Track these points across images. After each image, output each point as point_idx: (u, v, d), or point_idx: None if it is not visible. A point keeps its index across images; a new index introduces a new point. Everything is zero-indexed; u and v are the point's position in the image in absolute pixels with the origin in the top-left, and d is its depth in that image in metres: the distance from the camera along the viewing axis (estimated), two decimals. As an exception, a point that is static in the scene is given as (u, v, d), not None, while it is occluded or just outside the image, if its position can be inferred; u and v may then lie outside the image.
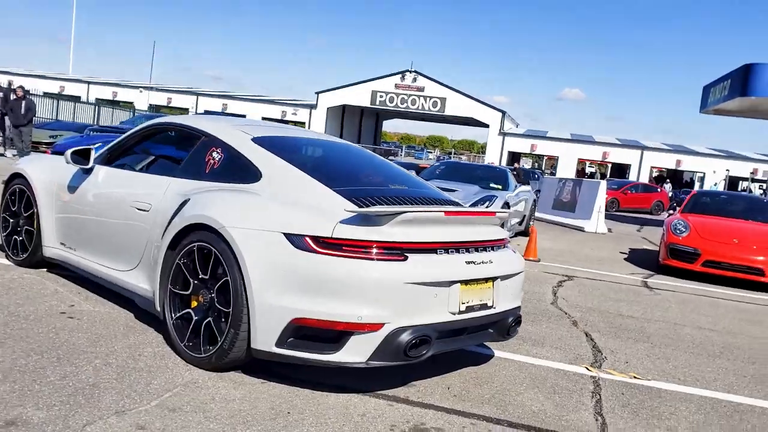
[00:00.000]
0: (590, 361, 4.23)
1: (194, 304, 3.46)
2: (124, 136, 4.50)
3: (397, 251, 3.05)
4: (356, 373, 3.31)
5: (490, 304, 3.38)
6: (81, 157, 4.43)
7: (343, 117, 62.14)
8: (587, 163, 54.27)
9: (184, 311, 3.47)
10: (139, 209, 3.93)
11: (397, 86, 55.28)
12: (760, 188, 41.95)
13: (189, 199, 3.58)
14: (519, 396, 3.43)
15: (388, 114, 69.80)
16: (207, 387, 3.10)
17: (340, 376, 3.32)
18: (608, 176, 49.48)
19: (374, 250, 3.01)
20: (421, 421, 2.95)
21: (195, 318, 3.39)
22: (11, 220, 5.03)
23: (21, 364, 3.09)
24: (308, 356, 3.05)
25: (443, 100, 54.10)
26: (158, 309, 3.65)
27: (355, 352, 2.99)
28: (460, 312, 3.20)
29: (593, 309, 6.02)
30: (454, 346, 3.38)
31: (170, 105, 58.06)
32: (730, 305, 7.22)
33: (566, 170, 48.25)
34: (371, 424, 2.87)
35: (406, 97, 54.96)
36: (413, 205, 3.45)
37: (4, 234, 5.09)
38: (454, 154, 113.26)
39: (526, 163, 58.85)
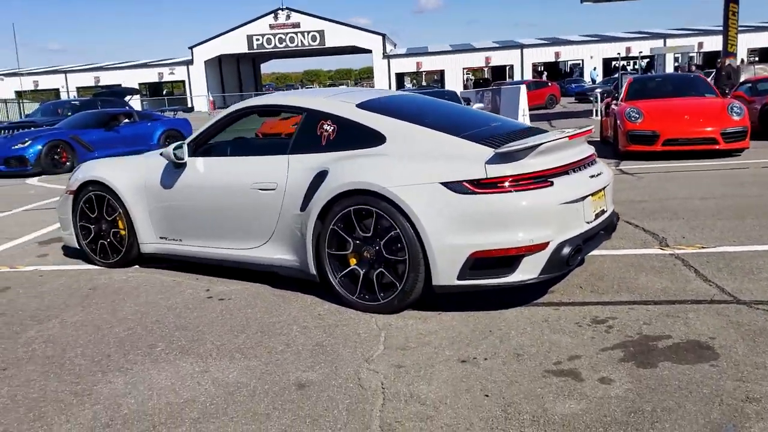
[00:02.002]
0: (657, 242, 5.07)
1: (353, 261, 3.93)
2: (208, 125, 4.69)
3: (542, 179, 3.65)
4: (502, 294, 3.90)
5: (605, 209, 4.08)
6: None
7: (221, 67, 59.92)
8: (465, 71, 55.12)
9: (348, 269, 3.93)
10: (262, 189, 4.26)
11: (272, 26, 53.90)
12: (633, 68, 45.07)
13: (326, 170, 3.96)
14: (637, 281, 4.17)
15: (266, 56, 67.88)
16: (404, 326, 3.62)
17: (496, 296, 3.93)
18: (491, 80, 50.92)
19: (527, 181, 3.59)
20: (593, 315, 3.64)
21: (362, 272, 3.87)
22: (92, 227, 5.16)
23: (247, 344, 3.48)
24: (487, 282, 3.64)
25: (321, 32, 53.43)
26: (313, 273, 4.08)
27: (528, 271, 3.61)
28: (592, 221, 3.89)
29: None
30: (589, 251, 4.08)
31: (38, 89, 53.53)
32: (706, 174, 8.29)
33: (454, 83, 49.59)
34: (560, 324, 3.53)
35: (283, 36, 53.79)
36: (519, 138, 4.01)
37: (87, 241, 5.22)
38: (332, 84, 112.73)
39: (409, 83, 59.58)
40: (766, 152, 10.03)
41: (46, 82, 56.19)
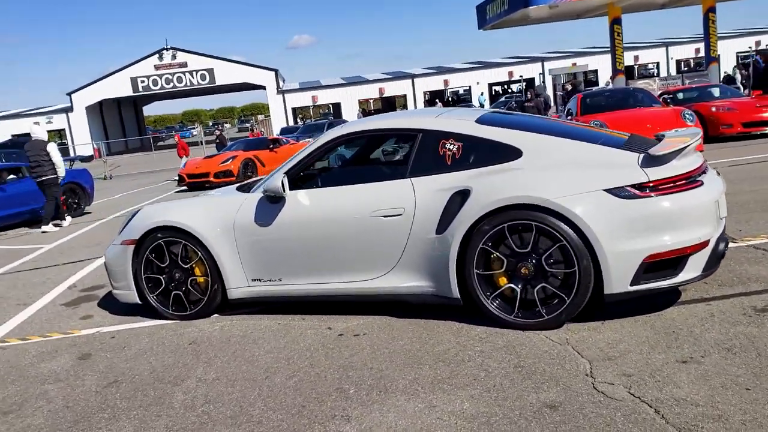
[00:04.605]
0: (732, 235, 5.35)
1: (504, 280, 3.83)
2: (303, 155, 4.41)
3: (692, 179, 3.75)
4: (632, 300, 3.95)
5: (724, 211, 4.23)
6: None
7: (102, 112, 57.09)
8: (359, 107, 55.58)
9: (502, 288, 3.82)
10: (386, 216, 4.06)
11: (157, 67, 52.18)
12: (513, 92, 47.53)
13: (468, 189, 3.85)
14: (744, 271, 4.38)
15: (150, 98, 65.51)
16: (584, 339, 3.56)
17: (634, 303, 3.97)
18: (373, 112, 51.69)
19: (683, 182, 3.68)
20: (750, 305, 3.77)
21: (518, 289, 3.78)
22: (162, 277, 4.66)
23: (442, 375, 3.28)
24: (658, 285, 3.66)
25: (210, 71, 52.41)
26: (456, 296, 3.93)
27: (692, 269, 3.67)
28: (722, 219, 4.03)
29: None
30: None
31: None
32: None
33: (349, 114, 50.18)
34: (732, 316, 3.64)
35: (170, 76, 52.18)
36: (640, 144, 4.10)
37: (155, 294, 4.70)
38: (215, 124, 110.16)
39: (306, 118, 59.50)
40: (710, 153, 10.92)
41: None
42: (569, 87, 18.22)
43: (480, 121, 4.23)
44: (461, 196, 3.88)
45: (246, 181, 5.59)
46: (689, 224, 3.62)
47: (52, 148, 11.36)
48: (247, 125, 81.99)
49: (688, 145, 3.75)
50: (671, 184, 3.64)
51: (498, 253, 3.80)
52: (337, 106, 53.46)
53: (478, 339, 3.71)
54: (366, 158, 5.17)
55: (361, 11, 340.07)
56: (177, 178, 18.07)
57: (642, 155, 3.74)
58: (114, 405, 3.35)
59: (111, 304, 5.34)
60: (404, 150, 6.09)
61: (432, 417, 2.85)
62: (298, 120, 56.18)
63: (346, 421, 2.89)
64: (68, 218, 11.87)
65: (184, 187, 16.62)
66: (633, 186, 3.62)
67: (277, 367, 3.63)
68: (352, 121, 4.87)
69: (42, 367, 4.06)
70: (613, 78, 26.40)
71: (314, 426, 2.88)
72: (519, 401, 2.91)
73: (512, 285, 3.80)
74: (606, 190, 3.62)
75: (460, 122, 4.21)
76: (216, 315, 4.70)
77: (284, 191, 4.27)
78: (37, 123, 12.77)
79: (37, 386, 3.75)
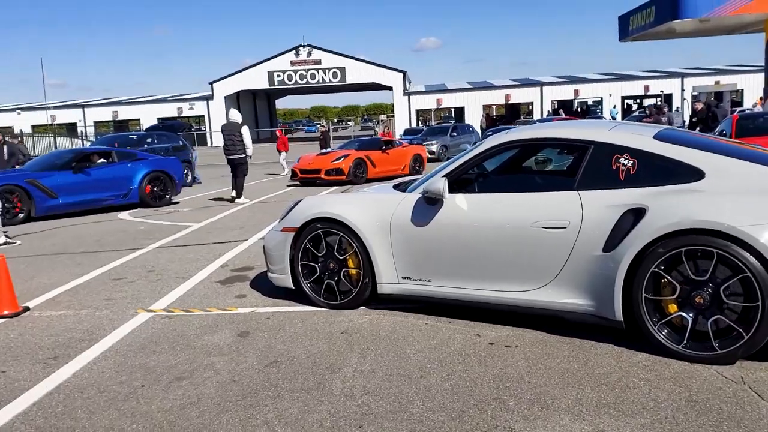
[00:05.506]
0: None
1: (673, 307, 3.63)
2: (463, 159, 4.43)
3: None
4: None
5: None
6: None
7: (239, 103, 60.30)
8: (483, 111, 54.76)
9: (671, 316, 3.62)
10: (548, 228, 3.98)
11: (293, 63, 54.34)
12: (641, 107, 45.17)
13: (643, 208, 3.68)
14: None
15: (283, 92, 68.46)
16: (762, 379, 3.31)
17: None
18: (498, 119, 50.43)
19: None
20: None
21: (689, 318, 3.57)
22: (317, 266, 4.85)
23: (606, 399, 3.16)
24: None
25: (342, 69, 53.87)
26: (618, 318, 3.77)
27: None
28: None
29: None
30: None
31: (55, 123, 53.45)
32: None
33: (474, 120, 49.75)
34: None
35: (304, 72, 54.22)
36: None
37: (309, 281, 4.90)
38: (340, 120, 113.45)
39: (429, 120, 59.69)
40: None
41: (64, 117, 56.26)
42: (699, 107, 16.17)
43: (658, 137, 4.04)
44: (635, 214, 3.72)
45: (400, 180, 5.70)
46: None
47: (245, 131, 12.59)
48: (370, 124, 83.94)
49: None
50: None
51: (670, 278, 3.60)
52: (460, 110, 53.22)
53: (642, 366, 3.54)
54: (526, 167, 5.09)
55: (488, 15, 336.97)
56: (289, 172, 18.74)
57: None
58: (277, 385, 3.52)
59: (262, 286, 5.63)
60: (562, 161, 5.96)
61: (602, 441, 2.75)
62: (420, 122, 56.66)
63: (512, 434, 2.86)
64: (246, 200, 12.96)
65: (297, 182, 16.95)
66: (833, 220, 3.31)
67: (430, 367, 3.65)
68: (516, 129, 4.82)
69: (206, 340, 4.34)
70: (764, 100, 24.39)
71: (479, 434, 2.87)
72: (699, 438, 2.74)
73: (683, 313, 3.60)
74: (803, 223, 3.34)
75: (637, 137, 4.04)
76: (363, 308, 4.82)
77: (444, 194, 4.29)
78: (234, 108, 13.54)
79: (204, 357, 4.01)
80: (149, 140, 18.59)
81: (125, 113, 57.25)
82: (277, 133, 24.99)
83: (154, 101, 59.06)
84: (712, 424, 2.85)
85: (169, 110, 56.85)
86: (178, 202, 13.37)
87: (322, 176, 16.17)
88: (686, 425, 2.85)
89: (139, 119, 55.40)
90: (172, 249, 7.86)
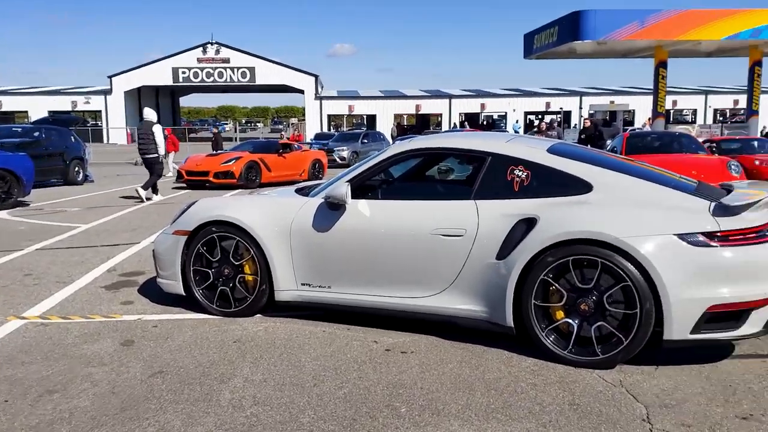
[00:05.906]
0: None
1: (560, 314, 3.76)
2: (366, 166, 4.39)
3: (762, 233, 3.64)
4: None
5: None
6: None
7: (140, 99, 57.83)
8: (395, 120, 55.39)
9: (557, 322, 3.74)
10: (446, 235, 4.02)
11: (199, 60, 52.82)
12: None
13: (535, 218, 3.79)
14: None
15: (188, 90, 66.28)
16: (638, 382, 3.47)
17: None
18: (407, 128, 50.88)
19: (754, 235, 3.58)
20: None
21: (575, 325, 3.70)
22: (211, 272, 4.66)
23: (495, 405, 3.21)
24: (717, 336, 3.56)
25: (252, 69, 52.91)
26: (509, 324, 3.86)
27: (754, 324, 3.56)
28: None
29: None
30: None
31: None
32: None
33: (383, 127, 50.22)
34: (757, 372, 3.54)
35: (212, 71, 52.81)
36: (708, 194, 4.00)
37: (201, 288, 4.69)
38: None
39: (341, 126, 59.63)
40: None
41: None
42: (587, 124, 18.29)
43: (551, 150, 4.18)
44: (527, 224, 3.82)
45: (303, 184, 5.60)
46: (756, 278, 3.52)
47: (157, 130, 12.37)
48: (280, 126, 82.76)
49: (761, 200, 3.66)
50: (741, 236, 3.55)
51: (558, 286, 3.73)
52: (372, 118, 53.57)
53: (529, 371, 3.63)
54: (429, 175, 5.14)
55: (402, 26, 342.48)
56: (174, 174, 17.52)
57: (714, 204, 3.66)
58: (161, 396, 3.33)
59: (151, 292, 5.35)
60: (463, 171, 6.06)
61: (490, 447, 2.78)
62: (331, 128, 56.50)
63: (402, 442, 2.83)
64: (159, 196, 12.92)
65: (182, 185, 15.74)
66: (704, 234, 3.53)
67: (324, 375, 3.58)
68: (420, 137, 4.86)
69: (85, 349, 4.05)
70: (652, 120, 26.22)
71: (367, 443, 2.83)
72: (578, 441, 2.83)
73: (569, 320, 3.73)
74: (677, 235, 3.54)
75: (532, 150, 4.16)
76: (259, 315, 4.68)
77: (347, 199, 4.24)
78: (149, 107, 13.05)
79: (82, 368, 3.74)
80: (36, 134, 17.35)
81: (11, 104, 53.45)
82: (166, 132, 23.30)
83: (46, 93, 55.45)
84: (592, 427, 2.96)
85: (63, 103, 53.58)
86: (28, 204, 12.04)
87: (211, 179, 15.15)
88: (568, 428, 2.94)
89: (27, 111, 51.90)
90: (54, 251, 7.34)
